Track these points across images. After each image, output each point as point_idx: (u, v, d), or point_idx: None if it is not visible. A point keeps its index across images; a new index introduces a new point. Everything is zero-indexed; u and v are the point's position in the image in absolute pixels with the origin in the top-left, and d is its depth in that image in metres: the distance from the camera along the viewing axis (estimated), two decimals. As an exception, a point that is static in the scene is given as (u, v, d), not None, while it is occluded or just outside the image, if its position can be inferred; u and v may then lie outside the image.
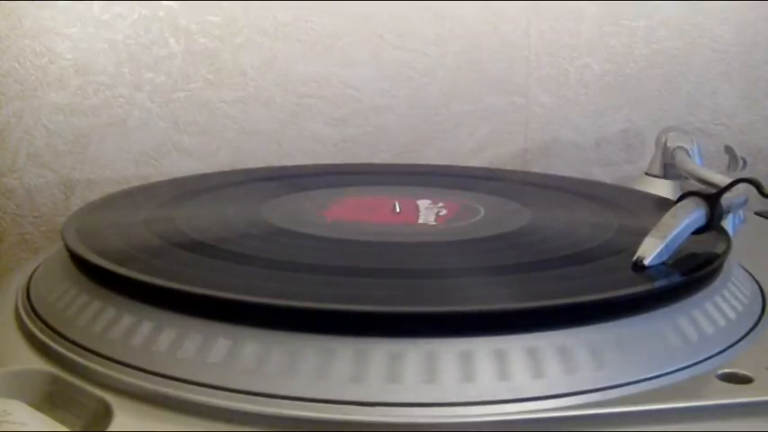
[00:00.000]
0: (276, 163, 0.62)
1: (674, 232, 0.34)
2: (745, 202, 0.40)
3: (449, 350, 0.27)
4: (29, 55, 0.56)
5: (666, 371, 0.29)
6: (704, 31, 0.67)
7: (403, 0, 0.62)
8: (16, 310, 0.34)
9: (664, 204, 0.41)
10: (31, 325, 0.32)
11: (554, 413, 0.26)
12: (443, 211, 0.44)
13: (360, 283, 0.32)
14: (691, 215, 0.35)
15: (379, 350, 0.27)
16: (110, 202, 0.45)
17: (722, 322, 0.32)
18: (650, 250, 0.33)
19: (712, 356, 0.30)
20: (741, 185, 0.38)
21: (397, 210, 0.44)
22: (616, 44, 0.66)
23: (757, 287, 0.37)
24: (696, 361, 0.29)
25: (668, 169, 0.55)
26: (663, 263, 0.33)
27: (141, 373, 0.28)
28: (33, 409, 0.27)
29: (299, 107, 0.62)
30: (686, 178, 0.51)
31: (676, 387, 0.28)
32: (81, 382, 0.28)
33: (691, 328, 0.31)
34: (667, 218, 0.35)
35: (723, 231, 0.38)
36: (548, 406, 0.26)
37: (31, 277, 0.37)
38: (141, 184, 0.51)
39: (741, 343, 0.31)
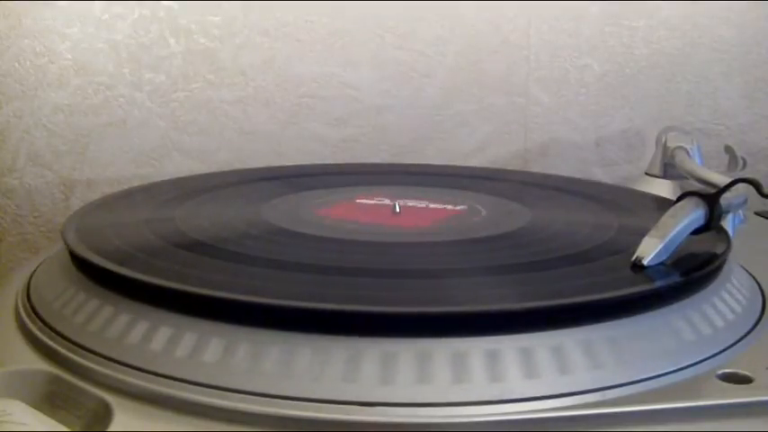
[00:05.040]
0: (276, 163, 0.62)
1: (673, 232, 0.34)
2: (745, 201, 0.40)
3: (443, 350, 0.27)
4: (29, 55, 0.56)
5: (666, 371, 0.28)
6: (704, 31, 0.67)
7: (403, 0, 0.62)
8: (16, 310, 0.34)
9: (664, 204, 0.41)
10: (31, 325, 0.32)
11: (552, 413, 0.26)
12: (443, 211, 0.44)
13: (357, 284, 0.32)
14: (690, 215, 0.35)
15: (374, 350, 0.27)
16: (110, 202, 0.45)
17: (722, 322, 0.32)
18: (649, 250, 0.33)
19: (712, 356, 0.30)
20: (740, 185, 0.38)
21: (397, 210, 0.44)
22: (616, 44, 0.66)
23: (757, 287, 0.37)
24: (696, 361, 0.29)
25: (668, 169, 0.55)
26: (662, 263, 0.33)
27: (141, 373, 0.28)
28: (33, 409, 0.27)
29: (298, 107, 0.62)
30: (686, 178, 0.51)
31: (676, 387, 0.28)
32: (81, 382, 0.28)
33: (690, 328, 0.31)
34: (666, 218, 0.34)
35: (723, 231, 0.38)
36: (546, 406, 0.26)
37: (31, 277, 0.37)
38: (141, 184, 0.51)
39: (741, 343, 0.31)
